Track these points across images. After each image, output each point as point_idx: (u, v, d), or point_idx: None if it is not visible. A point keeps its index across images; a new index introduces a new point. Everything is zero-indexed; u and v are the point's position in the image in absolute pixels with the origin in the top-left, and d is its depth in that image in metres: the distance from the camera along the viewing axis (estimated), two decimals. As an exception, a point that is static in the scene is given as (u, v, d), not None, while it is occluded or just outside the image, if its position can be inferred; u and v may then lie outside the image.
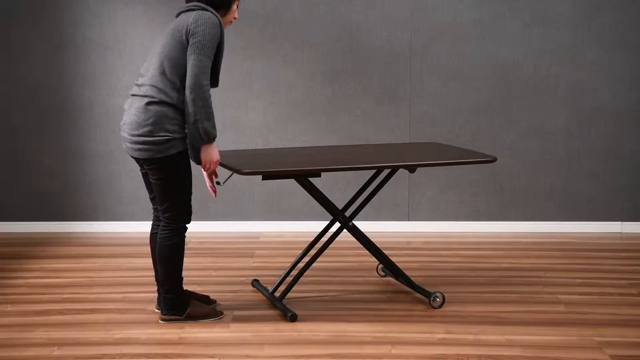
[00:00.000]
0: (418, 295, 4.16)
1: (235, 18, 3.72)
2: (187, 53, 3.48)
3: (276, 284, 4.15)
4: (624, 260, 4.91)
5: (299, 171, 3.69)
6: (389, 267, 4.15)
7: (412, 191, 5.60)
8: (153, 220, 3.87)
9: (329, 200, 4.02)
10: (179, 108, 3.53)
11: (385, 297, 4.19)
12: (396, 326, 3.76)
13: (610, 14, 5.42)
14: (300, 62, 5.47)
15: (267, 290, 4.16)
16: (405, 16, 5.43)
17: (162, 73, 3.52)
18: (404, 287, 4.30)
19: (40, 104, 5.48)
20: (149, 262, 4.72)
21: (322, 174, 5.28)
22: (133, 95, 3.61)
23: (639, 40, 5.45)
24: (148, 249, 4.90)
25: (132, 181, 5.54)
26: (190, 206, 3.72)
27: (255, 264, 4.80)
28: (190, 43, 3.47)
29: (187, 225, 3.73)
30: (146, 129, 3.51)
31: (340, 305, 4.06)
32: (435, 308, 3.99)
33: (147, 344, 3.56)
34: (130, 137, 3.56)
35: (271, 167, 3.68)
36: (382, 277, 4.53)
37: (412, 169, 4.07)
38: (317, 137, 5.52)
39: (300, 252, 5.02)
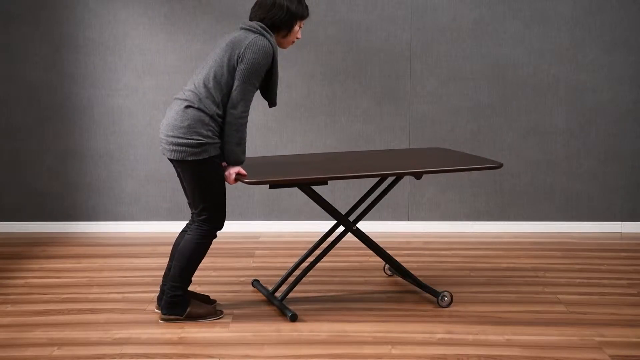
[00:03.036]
0: (419, 295, 4.16)
1: (298, 38, 3.80)
2: (235, 77, 3.59)
3: (277, 284, 4.15)
4: (624, 260, 4.91)
5: (305, 180, 3.68)
6: (394, 267, 4.14)
7: (412, 191, 5.60)
8: (189, 221, 3.92)
9: (333, 207, 4.00)
10: (215, 119, 3.62)
11: (385, 297, 4.19)
12: (396, 326, 3.76)
13: (610, 14, 5.42)
14: (300, 62, 5.47)
15: (267, 290, 4.16)
16: (405, 16, 5.43)
17: (206, 86, 3.62)
18: (404, 287, 4.30)
19: (40, 103, 5.48)
20: (149, 262, 4.73)
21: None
22: (176, 98, 3.72)
23: (639, 40, 5.45)
24: (148, 249, 4.92)
25: (132, 181, 5.54)
26: (224, 211, 3.77)
27: (255, 264, 4.80)
28: (237, 69, 3.59)
29: (218, 230, 3.78)
30: (181, 131, 3.61)
31: (340, 305, 4.06)
32: (443, 307, 3.99)
33: (147, 344, 3.56)
34: (166, 138, 3.66)
35: (277, 175, 3.69)
36: (389, 276, 4.53)
37: (418, 175, 4.06)
38: (317, 137, 5.52)
39: (300, 252, 5.03)
